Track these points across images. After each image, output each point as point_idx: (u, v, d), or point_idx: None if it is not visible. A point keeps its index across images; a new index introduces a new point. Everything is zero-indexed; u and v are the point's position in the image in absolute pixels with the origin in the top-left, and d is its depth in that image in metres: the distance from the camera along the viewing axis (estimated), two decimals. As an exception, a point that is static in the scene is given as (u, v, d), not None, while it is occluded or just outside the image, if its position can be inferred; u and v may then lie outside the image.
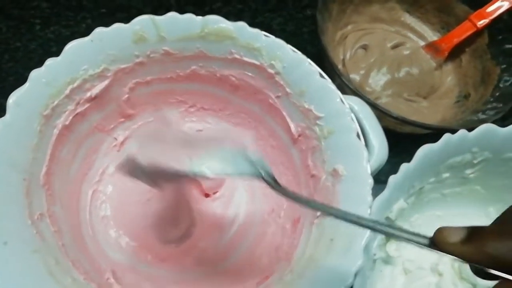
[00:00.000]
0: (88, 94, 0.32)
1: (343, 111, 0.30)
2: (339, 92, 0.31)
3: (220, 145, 0.24)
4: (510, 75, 0.41)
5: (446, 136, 0.30)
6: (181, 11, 0.52)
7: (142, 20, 0.32)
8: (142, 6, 0.51)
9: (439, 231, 0.18)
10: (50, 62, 0.29)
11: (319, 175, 0.31)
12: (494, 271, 0.16)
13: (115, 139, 0.35)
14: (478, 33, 0.45)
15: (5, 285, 0.23)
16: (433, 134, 0.35)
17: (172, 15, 0.32)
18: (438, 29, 0.49)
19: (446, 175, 0.34)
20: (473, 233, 0.17)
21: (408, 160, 0.31)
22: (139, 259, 0.32)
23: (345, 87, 0.38)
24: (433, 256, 0.36)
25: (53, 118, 0.30)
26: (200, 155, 0.23)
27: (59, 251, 0.27)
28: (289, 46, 0.33)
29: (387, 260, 0.35)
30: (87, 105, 0.32)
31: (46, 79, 0.29)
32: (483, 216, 0.38)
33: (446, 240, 0.18)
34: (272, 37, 0.33)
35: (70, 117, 0.31)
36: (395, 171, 0.31)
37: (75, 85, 0.31)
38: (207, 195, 0.35)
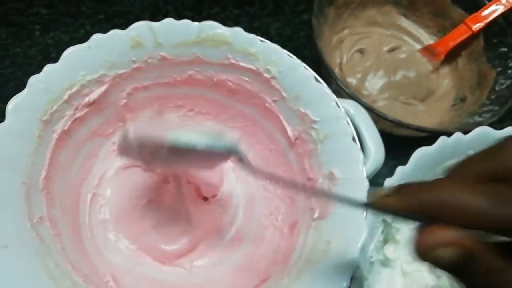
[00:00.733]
0: (87, 99, 0.32)
1: (339, 115, 0.31)
2: (334, 96, 0.32)
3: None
4: (506, 78, 0.41)
5: (442, 139, 0.31)
6: (179, 17, 0.52)
7: (139, 26, 0.32)
8: (139, 12, 0.52)
9: (373, 191, 0.20)
10: (48, 68, 0.30)
11: (315, 178, 0.31)
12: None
13: (114, 143, 0.36)
14: (474, 36, 0.45)
15: (4, 288, 0.23)
16: (430, 137, 0.35)
17: (168, 21, 0.33)
18: (434, 32, 0.49)
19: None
20: (403, 186, 0.18)
21: (405, 163, 0.32)
22: (138, 262, 0.32)
23: (341, 91, 0.38)
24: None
25: (52, 123, 0.30)
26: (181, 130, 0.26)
27: (58, 254, 0.27)
28: (285, 51, 0.33)
29: (385, 263, 0.35)
30: (85, 110, 0.32)
31: (44, 85, 0.29)
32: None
33: (379, 193, 0.19)
34: (268, 42, 0.33)
35: (69, 122, 0.31)
36: (392, 173, 0.31)
37: (73, 90, 0.31)
38: (205, 199, 0.36)
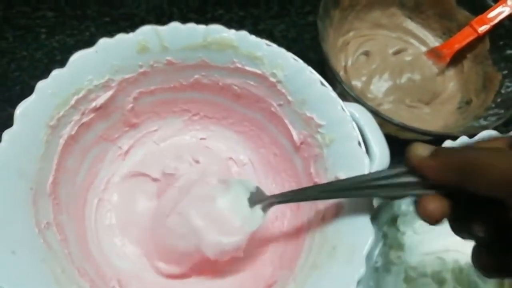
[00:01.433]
0: (93, 104, 0.32)
1: (344, 119, 0.31)
2: (340, 100, 0.32)
3: None
4: (512, 81, 0.41)
5: (447, 143, 0.31)
6: (184, 19, 0.52)
7: (145, 30, 0.32)
8: (145, 15, 0.52)
9: (412, 145, 0.21)
10: (56, 73, 0.30)
11: (321, 182, 0.31)
12: None
13: (120, 148, 0.36)
14: (480, 39, 0.45)
15: (13, 293, 0.23)
16: (436, 140, 0.35)
17: (174, 25, 0.33)
18: (440, 34, 0.49)
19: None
20: (439, 149, 0.20)
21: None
22: (144, 267, 0.32)
23: (346, 94, 0.38)
24: (436, 263, 0.36)
25: (59, 128, 0.30)
26: None
27: (65, 260, 0.27)
28: (290, 55, 0.33)
29: (390, 267, 0.35)
30: (92, 115, 0.32)
31: (52, 90, 0.30)
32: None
33: (418, 153, 0.20)
34: (274, 45, 0.33)
35: (76, 127, 0.31)
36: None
37: (80, 95, 0.31)
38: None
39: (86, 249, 0.31)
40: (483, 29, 0.44)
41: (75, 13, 0.51)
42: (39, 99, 0.29)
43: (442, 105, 0.46)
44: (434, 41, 0.49)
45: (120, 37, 0.32)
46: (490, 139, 0.21)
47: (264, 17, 0.53)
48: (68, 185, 0.31)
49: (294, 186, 0.34)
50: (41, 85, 0.29)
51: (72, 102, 0.31)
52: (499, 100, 0.41)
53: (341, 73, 0.46)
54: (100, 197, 0.34)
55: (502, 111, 0.39)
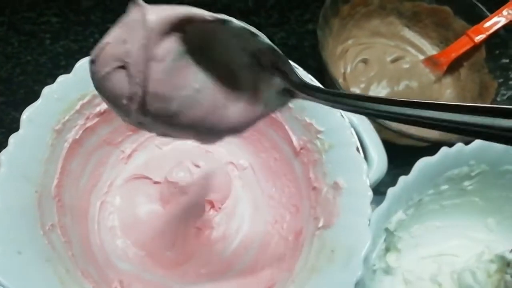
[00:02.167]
0: (98, 109, 0.33)
1: (343, 125, 0.32)
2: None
3: None
4: (507, 89, 0.42)
5: (444, 149, 0.31)
6: (187, 27, 0.52)
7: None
8: (148, 21, 0.53)
9: None
10: (61, 79, 0.31)
11: (320, 187, 0.32)
12: None
13: (123, 151, 0.37)
14: (476, 47, 0.46)
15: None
16: (433, 146, 0.36)
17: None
18: (437, 43, 0.50)
19: (445, 187, 0.35)
20: None
21: (408, 172, 0.32)
22: (145, 268, 0.33)
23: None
24: (433, 266, 0.37)
25: (64, 132, 0.31)
26: None
27: (69, 261, 0.28)
28: (291, 62, 0.34)
29: (387, 271, 0.35)
30: (96, 119, 0.33)
31: (57, 95, 0.30)
32: (483, 226, 0.38)
33: None
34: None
35: (80, 132, 0.32)
36: (395, 183, 0.32)
37: (85, 100, 0.32)
38: (213, 207, 0.36)
39: (89, 250, 0.31)
40: (479, 38, 0.45)
41: (79, 19, 0.52)
42: (45, 104, 0.30)
43: (439, 112, 0.46)
44: (431, 50, 0.50)
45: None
46: None
47: (264, 25, 0.54)
48: (72, 188, 0.31)
49: (293, 191, 0.35)
50: (47, 90, 0.30)
51: (77, 107, 0.31)
52: (494, 107, 0.41)
53: (340, 80, 0.47)
54: (103, 200, 0.35)
55: (498, 118, 0.40)
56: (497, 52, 0.45)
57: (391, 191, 0.29)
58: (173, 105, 0.18)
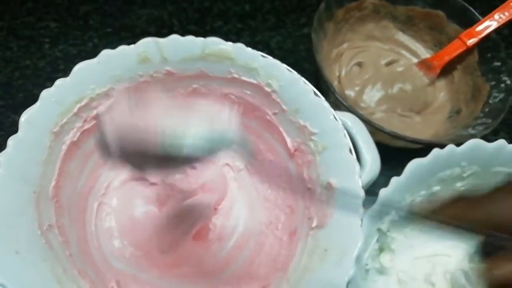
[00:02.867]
0: (95, 111, 0.34)
1: (337, 127, 0.32)
2: (332, 110, 0.33)
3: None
4: (499, 92, 0.43)
5: (435, 151, 0.32)
6: (184, 30, 0.54)
7: (146, 43, 0.34)
8: (145, 26, 0.53)
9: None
10: (59, 82, 0.31)
11: (314, 188, 0.32)
12: None
13: (120, 154, 0.37)
14: (469, 51, 0.47)
15: (16, 292, 0.24)
16: (426, 148, 0.36)
17: (174, 37, 0.34)
18: (431, 46, 0.51)
19: (437, 188, 0.35)
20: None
21: (401, 173, 0.33)
22: (142, 269, 0.33)
23: (339, 103, 0.39)
24: (427, 266, 0.37)
25: (62, 134, 0.31)
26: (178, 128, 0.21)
27: (66, 261, 0.28)
28: (285, 66, 0.35)
29: (381, 271, 0.36)
30: (93, 122, 0.34)
31: (55, 98, 0.31)
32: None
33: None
34: (269, 57, 0.35)
35: (78, 134, 0.33)
36: (388, 183, 0.32)
37: (82, 103, 0.32)
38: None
39: (87, 251, 0.32)
40: (471, 41, 0.46)
41: (78, 24, 0.53)
42: (43, 107, 0.30)
43: (433, 115, 0.47)
44: (425, 53, 0.51)
45: (122, 49, 0.34)
46: None
47: (261, 29, 0.55)
48: (69, 189, 0.32)
49: (288, 192, 0.36)
50: (45, 93, 0.31)
51: (75, 110, 0.32)
52: (487, 110, 0.42)
53: (335, 83, 0.48)
54: (100, 201, 0.35)
55: (490, 120, 0.40)
56: (489, 55, 0.45)
57: (383, 192, 0.30)
58: None
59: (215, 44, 0.35)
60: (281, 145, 0.36)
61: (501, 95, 0.42)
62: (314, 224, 0.31)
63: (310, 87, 0.34)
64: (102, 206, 0.35)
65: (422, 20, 0.50)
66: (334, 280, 0.27)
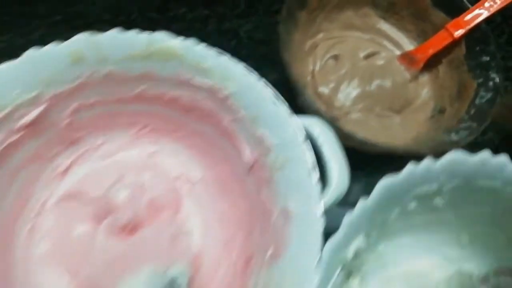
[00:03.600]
0: (22, 121, 0.29)
1: (298, 140, 0.28)
2: (294, 119, 0.29)
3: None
4: (487, 91, 0.38)
5: (410, 167, 0.28)
6: (144, 18, 0.49)
7: (79, 40, 0.29)
8: (100, 12, 0.48)
9: None
10: (-26, 89, 0.27)
11: (271, 210, 0.28)
12: None
13: (57, 167, 0.33)
14: (455, 43, 0.42)
15: None
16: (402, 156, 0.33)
17: (113, 33, 0.30)
18: (415, 36, 0.46)
19: (413, 204, 0.31)
20: None
21: (379, 179, 0.29)
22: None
23: (308, 106, 0.35)
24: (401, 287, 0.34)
25: (-22, 152, 0.27)
26: None
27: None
28: (242, 66, 0.30)
29: (350, 296, 0.33)
30: (21, 133, 0.29)
31: (-31, 108, 0.26)
32: (455, 243, 0.35)
33: None
34: (225, 56, 0.30)
35: (1, 148, 0.28)
36: (367, 191, 0.28)
37: (6, 111, 0.28)
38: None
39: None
40: (458, 33, 0.41)
41: (23, 11, 0.47)
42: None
43: (414, 114, 0.43)
44: (408, 44, 0.46)
45: (51, 46, 0.29)
46: None
47: (229, 16, 0.50)
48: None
49: (242, 210, 0.32)
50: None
51: (-4, 119, 0.27)
52: (472, 111, 0.38)
53: (308, 79, 0.43)
54: (33, 223, 0.31)
55: (475, 124, 0.36)
56: (477, 48, 0.41)
57: (347, 219, 0.26)
58: None
59: (161, 40, 0.30)
60: (238, 155, 0.32)
61: (489, 95, 0.38)
62: (269, 252, 0.27)
63: (270, 92, 0.29)
64: (34, 229, 0.31)
65: (405, 7, 0.45)
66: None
